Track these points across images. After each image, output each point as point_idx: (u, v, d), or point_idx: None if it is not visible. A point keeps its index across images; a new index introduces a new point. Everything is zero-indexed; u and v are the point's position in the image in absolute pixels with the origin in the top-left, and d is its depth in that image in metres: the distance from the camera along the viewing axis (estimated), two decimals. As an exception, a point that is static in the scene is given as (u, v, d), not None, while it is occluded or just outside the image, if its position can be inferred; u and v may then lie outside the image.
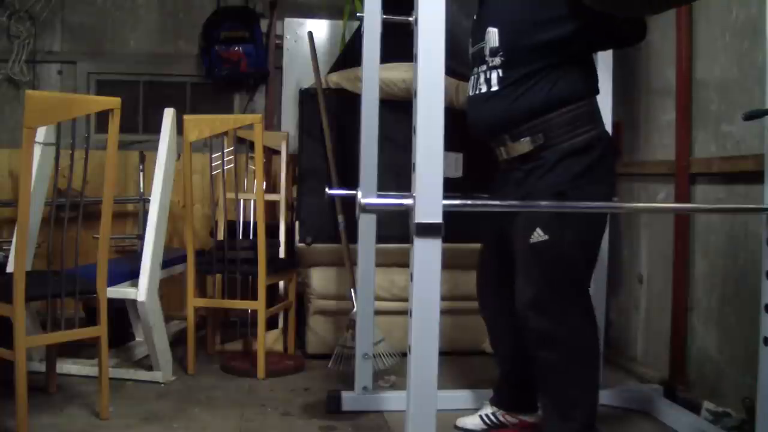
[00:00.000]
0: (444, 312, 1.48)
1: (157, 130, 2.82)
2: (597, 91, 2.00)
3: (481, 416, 2.27)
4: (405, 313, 1.50)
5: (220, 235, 3.37)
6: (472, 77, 2.07)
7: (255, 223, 3.20)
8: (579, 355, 1.91)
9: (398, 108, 2.80)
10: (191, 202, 2.93)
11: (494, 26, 1.96)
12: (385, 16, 2.31)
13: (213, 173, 3.06)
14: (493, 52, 1.96)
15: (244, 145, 3.72)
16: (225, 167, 3.10)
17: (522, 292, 1.91)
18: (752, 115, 1.89)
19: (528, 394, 2.20)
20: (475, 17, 2.12)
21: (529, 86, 1.90)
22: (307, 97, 3.23)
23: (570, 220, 1.88)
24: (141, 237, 3.14)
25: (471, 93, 2.07)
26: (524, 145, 1.93)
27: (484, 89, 2.00)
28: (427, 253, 1.43)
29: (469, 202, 2.06)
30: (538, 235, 1.87)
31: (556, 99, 1.89)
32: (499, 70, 1.95)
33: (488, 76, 1.99)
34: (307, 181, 3.19)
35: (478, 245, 2.34)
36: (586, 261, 1.97)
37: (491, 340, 2.33)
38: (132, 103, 4.00)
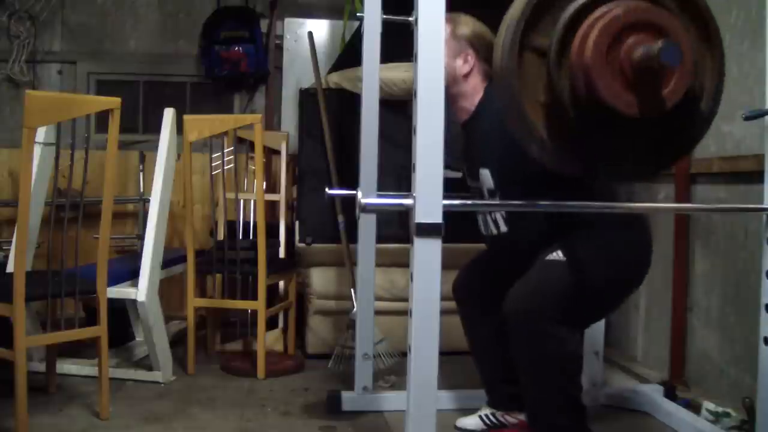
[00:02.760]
0: (444, 312, 1.48)
1: (157, 130, 2.82)
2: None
3: (480, 416, 2.27)
4: (405, 313, 1.50)
5: (220, 235, 3.37)
6: (479, 217, 2.11)
7: (255, 223, 3.21)
8: (546, 368, 1.82)
9: (398, 108, 2.80)
10: (191, 202, 2.93)
11: (486, 167, 1.99)
12: (385, 16, 2.31)
13: (213, 173, 3.06)
14: (491, 193, 2.00)
15: (244, 145, 3.73)
16: (225, 167, 3.11)
17: (513, 292, 1.87)
18: (752, 115, 1.89)
19: (518, 390, 2.20)
20: (463, 140, 2.13)
21: (535, 214, 1.91)
22: (307, 97, 3.23)
23: (599, 258, 1.83)
24: (141, 237, 3.14)
25: (484, 232, 2.11)
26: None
27: (494, 231, 2.05)
28: (427, 253, 1.43)
29: (469, 202, 2.08)
30: (557, 255, 1.84)
31: (567, 218, 1.88)
32: (501, 212, 2.00)
33: (494, 218, 2.03)
34: (307, 181, 3.19)
35: (477, 245, 2.34)
36: (587, 303, 1.84)
37: (469, 343, 2.28)
38: (132, 103, 4.01)
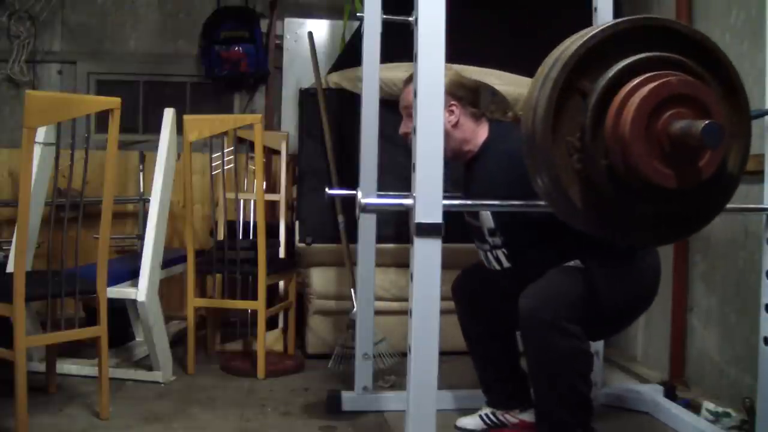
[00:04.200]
0: (444, 312, 1.48)
1: (157, 130, 2.83)
2: None
3: (480, 416, 2.27)
4: (405, 313, 1.50)
5: (220, 235, 3.37)
6: (481, 253, 2.11)
7: (255, 223, 3.21)
8: (554, 362, 1.81)
9: (398, 108, 2.81)
10: (191, 202, 2.93)
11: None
12: (385, 16, 2.32)
13: (213, 173, 3.06)
14: (492, 233, 2.01)
15: (244, 145, 3.73)
16: (225, 167, 3.11)
17: (529, 288, 1.85)
18: (752, 115, 1.89)
19: (517, 389, 2.21)
20: (464, 177, 2.12)
21: (540, 252, 1.91)
22: (307, 97, 3.23)
23: (612, 278, 1.84)
24: (141, 237, 3.14)
25: (488, 267, 2.10)
26: None
27: (498, 268, 2.05)
28: (427, 253, 1.44)
29: (469, 202, 2.08)
30: (575, 263, 1.85)
31: (567, 253, 1.87)
32: (504, 249, 2.01)
33: (496, 255, 2.04)
34: (307, 181, 3.19)
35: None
36: (599, 314, 1.83)
37: (467, 343, 2.28)
38: (132, 103, 4.01)
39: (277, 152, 3.68)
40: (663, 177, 1.31)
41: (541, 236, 1.86)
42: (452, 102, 2.00)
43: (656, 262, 1.95)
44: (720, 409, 2.27)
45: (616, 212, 1.42)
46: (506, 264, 2.02)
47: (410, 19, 1.57)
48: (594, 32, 1.38)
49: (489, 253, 2.06)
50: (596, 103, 1.36)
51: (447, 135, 1.96)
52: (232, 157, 3.41)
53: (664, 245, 1.54)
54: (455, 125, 2.02)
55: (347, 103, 3.02)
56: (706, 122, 1.23)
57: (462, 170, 2.13)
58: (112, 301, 2.38)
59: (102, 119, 3.12)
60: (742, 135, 1.45)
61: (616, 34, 1.38)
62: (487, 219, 2.00)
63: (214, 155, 3.03)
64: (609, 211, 1.42)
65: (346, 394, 2.45)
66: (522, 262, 1.99)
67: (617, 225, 1.44)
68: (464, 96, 2.02)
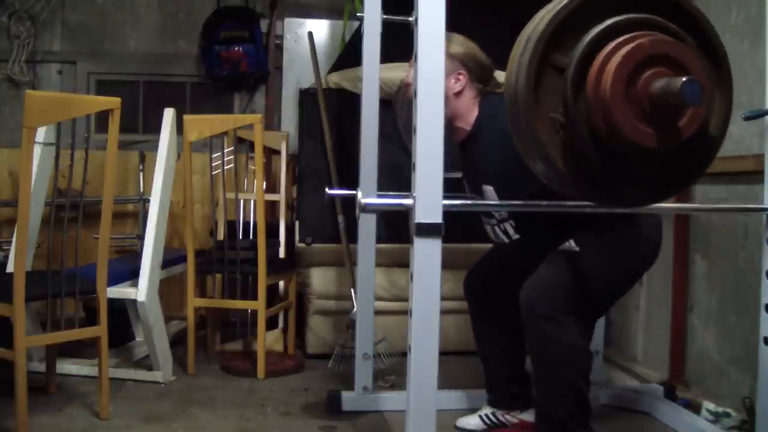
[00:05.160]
0: (444, 312, 1.48)
1: (157, 130, 2.82)
2: None
3: (480, 416, 2.27)
4: (405, 313, 1.50)
5: (220, 235, 3.37)
6: (488, 228, 2.12)
7: (255, 223, 3.21)
8: (558, 359, 1.83)
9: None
10: (191, 202, 2.93)
11: (488, 184, 2.01)
12: (385, 16, 2.31)
13: (213, 173, 3.06)
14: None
15: (244, 145, 3.73)
16: (225, 167, 3.11)
17: (527, 283, 1.88)
18: (752, 116, 1.89)
19: (520, 390, 2.21)
20: (460, 158, 2.14)
21: (546, 218, 1.92)
22: (307, 97, 3.23)
23: (609, 254, 1.87)
24: (141, 237, 3.14)
25: (495, 240, 2.12)
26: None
27: (506, 240, 2.06)
28: (427, 253, 1.44)
29: (469, 202, 2.08)
30: (570, 244, 1.87)
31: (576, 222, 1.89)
32: (510, 221, 2.02)
33: (504, 228, 2.05)
34: (307, 181, 3.19)
35: (478, 245, 2.34)
36: (598, 293, 1.88)
37: (476, 339, 2.30)
38: (132, 103, 4.01)
39: (277, 152, 3.68)
40: (644, 137, 1.32)
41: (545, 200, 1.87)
42: (460, 71, 2.03)
43: (656, 235, 1.96)
44: (720, 409, 2.28)
45: (604, 177, 1.43)
46: (514, 236, 2.03)
47: (410, 19, 1.57)
48: (560, 6, 1.38)
49: (496, 227, 2.07)
50: (574, 75, 1.36)
51: (447, 100, 1.97)
52: (232, 157, 3.41)
53: (652, 204, 1.58)
54: (457, 94, 2.04)
55: (347, 103, 3.01)
56: (685, 78, 1.23)
57: (457, 150, 2.14)
58: (112, 301, 2.38)
59: (102, 119, 3.12)
60: (723, 95, 1.46)
61: (582, 3, 1.38)
62: (492, 195, 2.01)
63: (214, 155, 3.03)
64: (597, 177, 1.43)
65: (346, 394, 2.45)
66: (529, 231, 2.01)
67: (606, 189, 1.46)
68: (474, 70, 2.04)
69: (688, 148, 1.38)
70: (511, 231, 2.03)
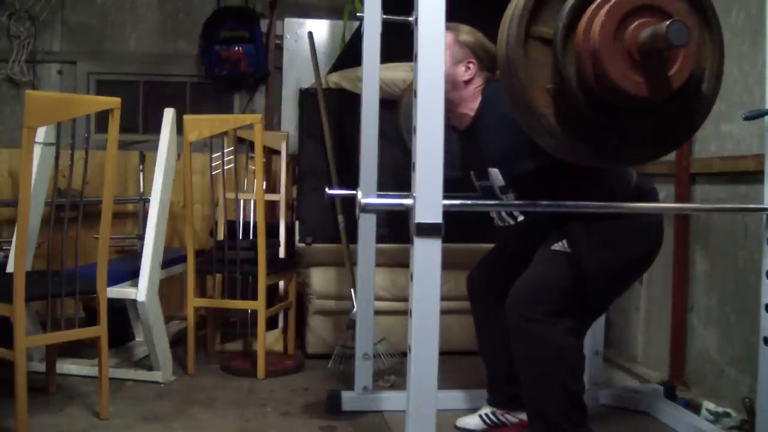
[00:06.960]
0: (444, 312, 1.48)
1: (157, 130, 2.83)
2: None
3: (481, 416, 2.27)
4: (405, 313, 1.50)
5: (220, 235, 3.37)
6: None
7: (255, 223, 3.21)
8: (546, 362, 1.82)
9: (399, 108, 2.80)
10: (191, 202, 2.93)
11: (494, 166, 2.00)
12: (385, 16, 2.32)
13: (213, 173, 3.06)
14: (504, 190, 2.02)
15: (244, 145, 3.72)
16: (225, 167, 3.10)
17: (515, 286, 1.89)
18: (752, 116, 1.89)
19: (520, 390, 2.21)
20: (461, 142, 2.15)
21: (551, 199, 1.91)
22: (307, 97, 3.23)
23: (599, 253, 1.86)
24: (141, 237, 3.14)
25: (501, 224, 2.11)
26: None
27: (511, 222, 2.07)
28: (427, 253, 1.44)
29: (469, 202, 2.08)
30: (563, 245, 1.87)
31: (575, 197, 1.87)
32: (512, 193, 2.01)
33: (509, 210, 2.06)
34: (307, 181, 3.19)
35: (478, 245, 2.34)
36: (589, 293, 1.86)
37: (479, 338, 2.31)
38: (132, 103, 4.01)
39: (277, 152, 3.68)
40: (635, 85, 1.35)
41: (551, 183, 1.87)
42: (471, 59, 2.04)
43: (653, 233, 1.95)
44: (720, 409, 2.28)
45: (598, 135, 1.47)
46: (520, 217, 2.05)
47: (410, 19, 1.57)
48: None
49: (502, 210, 2.08)
50: (562, 34, 1.41)
51: (454, 87, 2.01)
52: (232, 157, 3.41)
53: (649, 162, 1.61)
54: (467, 81, 2.04)
55: (347, 103, 3.02)
56: (670, 20, 1.28)
57: (456, 143, 2.15)
58: (112, 301, 2.38)
59: (102, 119, 3.12)
60: (714, 54, 1.48)
61: None
62: (497, 177, 2.01)
63: (214, 155, 3.03)
64: (591, 136, 1.47)
65: (346, 394, 2.45)
66: (534, 213, 2.01)
67: (601, 148, 1.50)
68: (483, 58, 2.05)
69: (681, 103, 1.42)
70: (516, 212, 2.05)
